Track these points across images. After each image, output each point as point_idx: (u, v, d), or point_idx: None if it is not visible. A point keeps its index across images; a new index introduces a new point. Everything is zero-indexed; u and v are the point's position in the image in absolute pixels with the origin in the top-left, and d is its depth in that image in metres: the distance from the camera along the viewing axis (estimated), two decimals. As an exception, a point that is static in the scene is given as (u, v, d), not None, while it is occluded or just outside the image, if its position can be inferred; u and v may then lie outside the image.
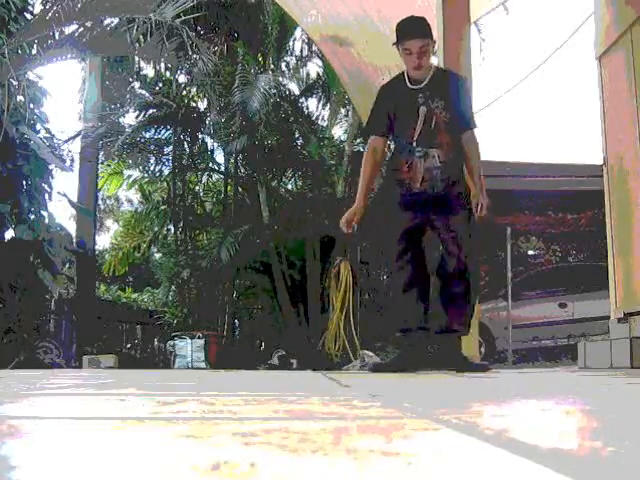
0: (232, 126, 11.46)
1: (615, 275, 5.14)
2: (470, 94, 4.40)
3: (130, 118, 13.61)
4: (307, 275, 11.72)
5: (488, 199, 4.00)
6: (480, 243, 4.43)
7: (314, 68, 13.62)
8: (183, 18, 8.44)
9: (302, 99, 13.41)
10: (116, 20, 8.69)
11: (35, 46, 8.37)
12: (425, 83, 4.06)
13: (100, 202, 17.31)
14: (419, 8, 7.18)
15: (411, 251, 4.06)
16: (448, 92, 4.09)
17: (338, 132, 13.54)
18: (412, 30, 4.05)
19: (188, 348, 10.23)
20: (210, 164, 14.44)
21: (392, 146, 4.36)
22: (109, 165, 14.87)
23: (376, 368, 4.49)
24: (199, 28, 11.72)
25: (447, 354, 4.11)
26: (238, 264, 11.82)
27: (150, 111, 12.94)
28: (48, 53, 8.15)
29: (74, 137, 12.92)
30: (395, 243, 4.08)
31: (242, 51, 11.81)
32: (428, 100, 4.03)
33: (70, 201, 12.01)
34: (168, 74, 13.26)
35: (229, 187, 13.52)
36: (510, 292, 9.68)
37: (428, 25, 4.11)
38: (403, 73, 4.16)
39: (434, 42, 4.18)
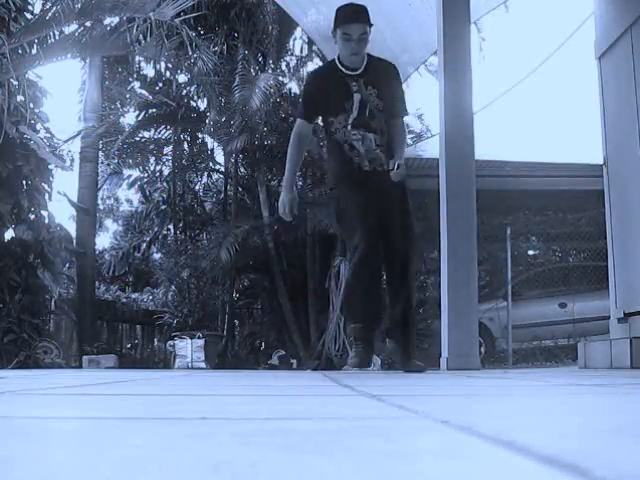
0: (232, 126, 11.46)
1: (615, 275, 5.14)
2: (401, 83, 4.41)
3: (130, 118, 13.62)
4: (307, 275, 11.72)
5: (404, 166, 3.99)
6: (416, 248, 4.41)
7: (314, 68, 13.62)
8: (183, 17, 8.45)
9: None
10: (116, 20, 8.69)
11: (35, 46, 8.36)
12: (360, 70, 4.05)
13: (100, 202, 17.30)
14: (418, 8, 7.19)
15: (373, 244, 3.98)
16: (381, 80, 4.10)
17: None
18: (354, 15, 4.00)
19: (188, 348, 10.23)
20: (210, 164, 14.45)
21: (326, 133, 4.28)
22: (109, 165, 14.88)
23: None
24: (199, 28, 11.73)
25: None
26: (238, 264, 11.82)
27: (150, 111, 12.95)
28: (48, 53, 8.15)
29: (74, 137, 12.91)
30: (357, 225, 3.98)
31: (242, 51, 11.81)
32: (362, 87, 4.04)
33: (70, 201, 12.01)
34: (168, 74, 13.27)
35: (229, 187, 13.53)
36: (510, 292, 9.67)
37: (367, 11, 4.06)
38: (334, 60, 4.14)
39: (371, 27, 4.08)
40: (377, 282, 4.14)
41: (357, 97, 4.03)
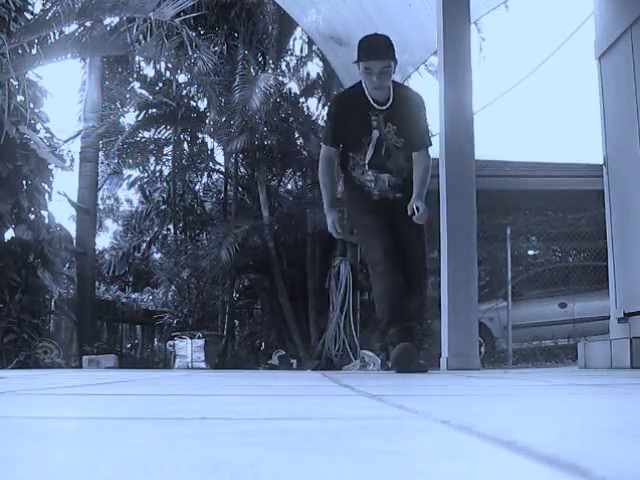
0: (232, 126, 11.46)
1: (615, 275, 5.14)
2: (425, 113, 4.27)
3: (130, 118, 13.62)
4: (307, 275, 11.72)
5: (425, 206, 3.97)
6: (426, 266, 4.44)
7: (314, 68, 13.62)
8: (183, 17, 8.45)
9: (302, 99, 13.41)
10: (116, 20, 8.69)
11: (35, 46, 8.36)
12: (386, 106, 3.97)
13: (100, 202, 17.30)
14: (418, 8, 7.19)
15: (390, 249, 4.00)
16: (404, 113, 4.02)
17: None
18: (374, 51, 3.90)
19: (188, 348, 10.23)
20: (210, 164, 14.45)
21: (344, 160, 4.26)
22: (109, 165, 14.89)
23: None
24: (199, 28, 11.73)
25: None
26: (238, 264, 11.83)
27: (150, 111, 12.95)
28: (48, 53, 8.14)
29: (74, 137, 12.90)
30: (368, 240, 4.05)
31: (242, 51, 11.82)
32: (381, 124, 3.97)
33: (70, 201, 12.01)
34: (168, 74, 13.27)
35: (229, 187, 13.53)
36: (510, 292, 9.67)
37: (392, 45, 3.97)
38: (360, 84, 4.03)
39: (396, 62, 4.00)
40: (402, 285, 4.05)
41: (375, 134, 3.97)
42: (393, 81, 4.06)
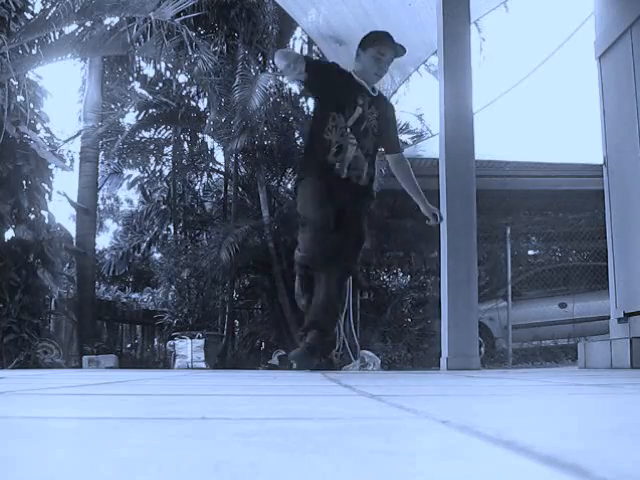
0: (232, 125, 11.46)
1: (615, 275, 5.14)
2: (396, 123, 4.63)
3: (130, 118, 13.62)
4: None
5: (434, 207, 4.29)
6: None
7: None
8: (183, 17, 8.45)
9: (302, 99, 13.41)
10: (116, 20, 8.70)
11: (35, 46, 8.37)
12: (373, 95, 4.17)
13: (100, 202, 17.31)
14: (418, 8, 7.19)
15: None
16: (382, 111, 4.23)
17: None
18: (390, 38, 4.20)
19: (188, 348, 10.23)
20: (210, 164, 14.45)
21: (319, 124, 4.17)
22: (109, 165, 14.90)
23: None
24: (199, 28, 11.73)
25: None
26: (238, 264, 11.83)
27: (150, 111, 12.95)
28: (48, 53, 8.15)
29: (74, 137, 12.92)
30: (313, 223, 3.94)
31: (242, 51, 11.81)
32: (366, 104, 4.12)
33: (70, 201, 12.02)
34: (168, 74, 13.27)
35: (229, 187, 13.53)
36: (510, 292, 9.68)
37: None
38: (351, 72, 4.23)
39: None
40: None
41: (359, 110, 4.10)
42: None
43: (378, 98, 4.25)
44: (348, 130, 4.05)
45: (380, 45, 4.14)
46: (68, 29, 8.27)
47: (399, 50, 4.20)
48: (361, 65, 4.19)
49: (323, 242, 3.88)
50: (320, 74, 4.15)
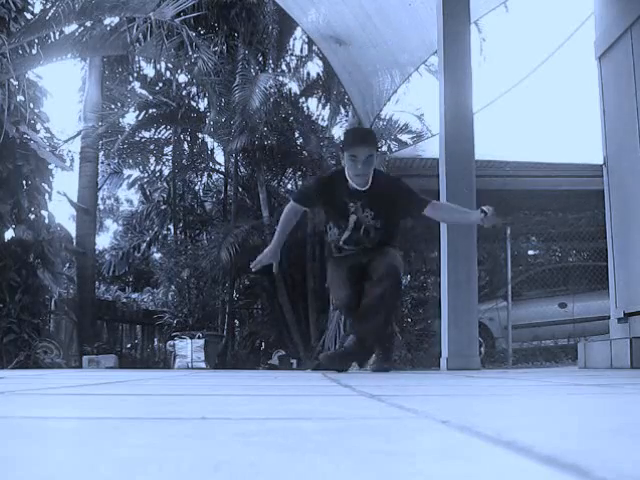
0: (232, 125, 11.47)
1: (615, 275, 5.14)
2: (408, 191, 4.33)
3: (130, 118, 13.63)
4: (307, 275, 11.72)
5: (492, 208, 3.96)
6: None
7: (314, 68, 13.63)
8: (183, 17, 8.45)
9: (302, 99, 13.42)
10: (116, 20, 8.70)
11: (35, 46, 8.37)
12: (364, 189, 4.13)
13: (100, 202, 17.30)
14: (418, 7, 7.18)
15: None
16: (383, 200, 4.15)
17: (338, 132, 13.55)
18: (361, 139, 4.18)
19: (188, 348, 10.24)
20: (210, 164, 14.46)
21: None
22: (109, 165, 14.90)
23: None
24: (199, 28, 11.73)
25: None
26: (238, 264, 11.83)
27: (150, 111, 12.96)
28: (48, 53, 8.15)
29: (74, 137, 12.93)
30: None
31: (242, 51, 11.81)
32: (359, 210, 4.17)
33: (70, 201, 12.02)
34: (168, 74, 13.28)
35: (229, 187, 13.53)
36: (510, 292, 9.67)
37: (375, 136, 4.41)
38: (344, 170, 4.20)
39: (378, 152, 4.33)
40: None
41: (352, 219, 4.19)
42: (376, 169, 4.28)
43: (372, 190, 4.13)
44: (341, 243, 4.25)
45: (350, 148, 4.07)
46: (68, 29, 8.28)
47: (374, 147, 4.18)
48: (344, 165, 4.21)
49: (352, 309, 4.22)
50: (312, 200, 4.40)
